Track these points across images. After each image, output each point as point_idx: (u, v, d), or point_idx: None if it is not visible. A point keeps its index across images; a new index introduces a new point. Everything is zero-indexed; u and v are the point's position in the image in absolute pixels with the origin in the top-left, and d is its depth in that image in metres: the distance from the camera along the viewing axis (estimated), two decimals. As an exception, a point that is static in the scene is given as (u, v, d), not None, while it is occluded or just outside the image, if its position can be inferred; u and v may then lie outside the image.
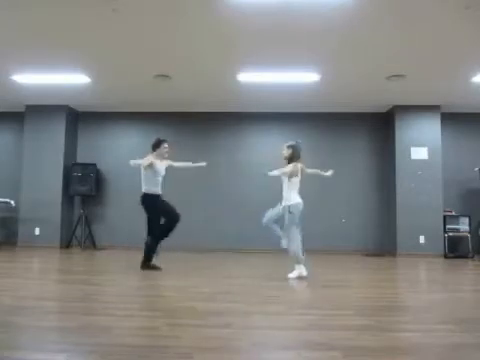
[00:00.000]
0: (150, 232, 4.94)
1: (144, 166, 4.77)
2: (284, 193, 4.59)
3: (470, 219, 7.09)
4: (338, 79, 6.07)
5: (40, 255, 6.38)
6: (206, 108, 7.67)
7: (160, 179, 5.03)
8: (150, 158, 4.82)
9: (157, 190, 4.99)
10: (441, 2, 3.84)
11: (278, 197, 8.22)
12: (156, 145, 5.03)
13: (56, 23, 4.36)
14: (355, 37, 4.64)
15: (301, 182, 4.65)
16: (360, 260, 6.58)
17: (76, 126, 8.07)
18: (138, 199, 8.08)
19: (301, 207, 4.53)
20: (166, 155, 5.08)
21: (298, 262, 4.48)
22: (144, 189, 4.96)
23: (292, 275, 4.45)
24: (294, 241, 4.45)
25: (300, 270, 4.47)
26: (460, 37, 4.55)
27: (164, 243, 7.60)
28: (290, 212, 4.47)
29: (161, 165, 5.01)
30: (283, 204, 4.56)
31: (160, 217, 5.00)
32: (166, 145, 5.05)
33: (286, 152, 4.66)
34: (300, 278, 4.43)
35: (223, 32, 4.55)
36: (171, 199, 7.63)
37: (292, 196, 4.53)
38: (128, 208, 7.80)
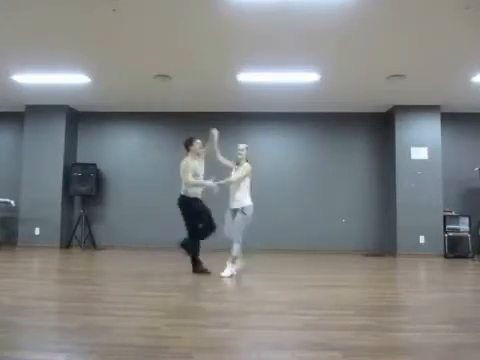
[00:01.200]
0: (189, 234, 4.80)
1: (190, 183, 4.63)
2: (238, 194, 4.65)
3: (470, 219, 7.09)
4: (338, 79, 6.06)
5: (40, 255, 6.38)
6: (206, 108, 7.67)
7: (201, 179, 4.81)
8: (189, 163, 4.68)
9: (197, 192, 4.78)
10: (441, 2, 3.84)
11: (278, 197, 8.19)
12: (189, 142, 4.86)
13: (56, 23, 4.36)
14: (355, 37, 4.64)
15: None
16: (360, 260, 6.58)
17: (76, 126, 8.07)
18: (138, 199, 8.10)
19: (252, 210, 4.65)
20: (201, 151, 4.90)
21: (233, 261, 4.58)
22: (182, 191, 4.75)
23: (225, 274, 4.52)
24: (239, 241, 4.57)
25: (233, 269, 4.57)
26: (460, 37, 4.55)
27: (161, 241, 7.61)
28: (244, 213, 4.58)
29: (199, 165, 4.81)
30: (235, 206, 4.64)
31: (198, 219, 4.76)
32: (199, 141, 4.87)
33: (245, 153, 4.79)
34: (231, 276, 4.54)
35: (223, 32, 4.55)
36: (171, 198, 7.66)
37: (247, 197, 4.66)
38: (128, 208, 7.80)
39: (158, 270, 5.08)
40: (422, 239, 7.07)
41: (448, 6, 3.89)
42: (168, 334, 2.38)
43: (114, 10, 4.06)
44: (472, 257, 6.88)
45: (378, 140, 7.78)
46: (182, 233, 7.03)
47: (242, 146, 4.85)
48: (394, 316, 2.95)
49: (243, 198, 4.63)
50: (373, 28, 4.40)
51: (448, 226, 7.06)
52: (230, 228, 4.66)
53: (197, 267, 4.74)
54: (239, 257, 4.68)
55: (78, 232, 7.48)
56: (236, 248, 4.56)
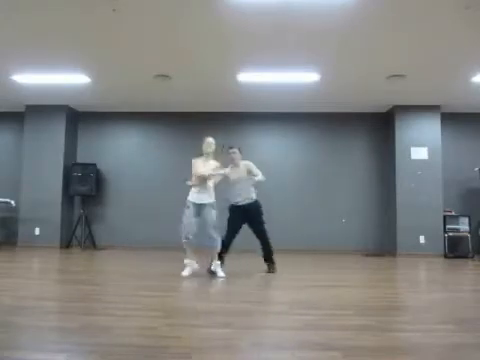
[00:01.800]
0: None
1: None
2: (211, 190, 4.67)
3: (470, 219, 7.09)
4: (338, 79, 6.07)
5: (40, 255, 6.38)
6: (206, 108, 7.67)
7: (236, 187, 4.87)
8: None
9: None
10: (441, 2, 3.84)
11: (278, 197, 8.17)
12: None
13: (56, 23, 4.36)
14: (355, 37, 4.64)
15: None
16: (360, 260, 6.58)
17: (76, 126, 8.07)
18: (138, 199, 8.10)
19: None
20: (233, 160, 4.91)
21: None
22: (255, 195, 4.95)
23: (222, 274, 4.53)
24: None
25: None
26: (460, 37, 4.55)
27: (161, 241, 7.60)
28: (214, 208, 4.67)
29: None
30: (208, 201, 4.57)
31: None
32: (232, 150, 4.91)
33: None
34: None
35: (223, 32, 4.55)
36: (172, 199, 7.66)
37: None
38: (128, 208, 7.81)
39: (158, 270, 5.08)
40: (422, 239, 7.07)
41: (448, 6, 3.89)
42: (168, 334, 2.38)
43: (114, 10, 4.06)
44: (472, 257, 6.88)
45: (378, 140, 7.78)
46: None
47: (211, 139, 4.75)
48: (394, 316, 2.95)
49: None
50: (373, 28, 4.40)
51: (448, 226, 7.06)
52: (207, 224, 4.53)
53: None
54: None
55: (78, 232, 7.48)
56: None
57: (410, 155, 7.25)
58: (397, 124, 7.34)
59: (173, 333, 2.40)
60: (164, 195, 7.74)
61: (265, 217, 4.99)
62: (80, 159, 7.97)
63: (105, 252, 7.05)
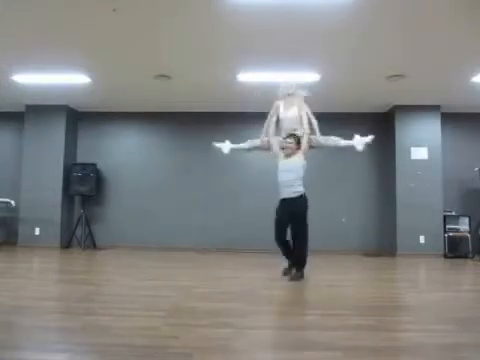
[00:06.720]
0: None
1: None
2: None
3: (470, 219, 7.09)
4: (338, 79, 6.07)
5: (40, 255, 6.38)
6: (206, 108, 7.66)
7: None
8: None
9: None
10: (441, 2, 3.84)
11: (277, 197, 8.15)
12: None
13: (56, 23, 4.36)
14: (355, 37, 4.64)
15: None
16: (360, 260, 6.58)
17: (76, 126, 8.06)
18: (138, 199, 8.08)
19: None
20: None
21: None
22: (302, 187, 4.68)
23: None
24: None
25: None
26: (460, 37, 4.55)
27: (161, 241, 7.57)
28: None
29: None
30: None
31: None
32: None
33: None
34: None
35: (223, 32, 4.55)
36: (172, 200, 7.67)
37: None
38: (128, 208, 7.80)
39: (158, 270, 5.08)
40: (422, 239, 7.06)
41: (448, 6, 3.89)
42: (168, 334, 2.38)
43: (114, 10, 4.06)
44: (472, 257, 6.88)
45: (378, 140, 7.76)
46: (183, 233, 6.98)
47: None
48: (394, 316, 2.95)
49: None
50: (373, 28, 4.40)
51: (448, 226, 7.06)
52: None
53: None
54: None
55: (78, 232, 7.48)
56: None
57: (410, 155, 7.25)
58: (397, 124, 7.34)
59: (173, 333, 2.40)
60: (164, 195, 7.73)
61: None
62: (80, 159, 7.96)
63: (105, 252, 7.05)
